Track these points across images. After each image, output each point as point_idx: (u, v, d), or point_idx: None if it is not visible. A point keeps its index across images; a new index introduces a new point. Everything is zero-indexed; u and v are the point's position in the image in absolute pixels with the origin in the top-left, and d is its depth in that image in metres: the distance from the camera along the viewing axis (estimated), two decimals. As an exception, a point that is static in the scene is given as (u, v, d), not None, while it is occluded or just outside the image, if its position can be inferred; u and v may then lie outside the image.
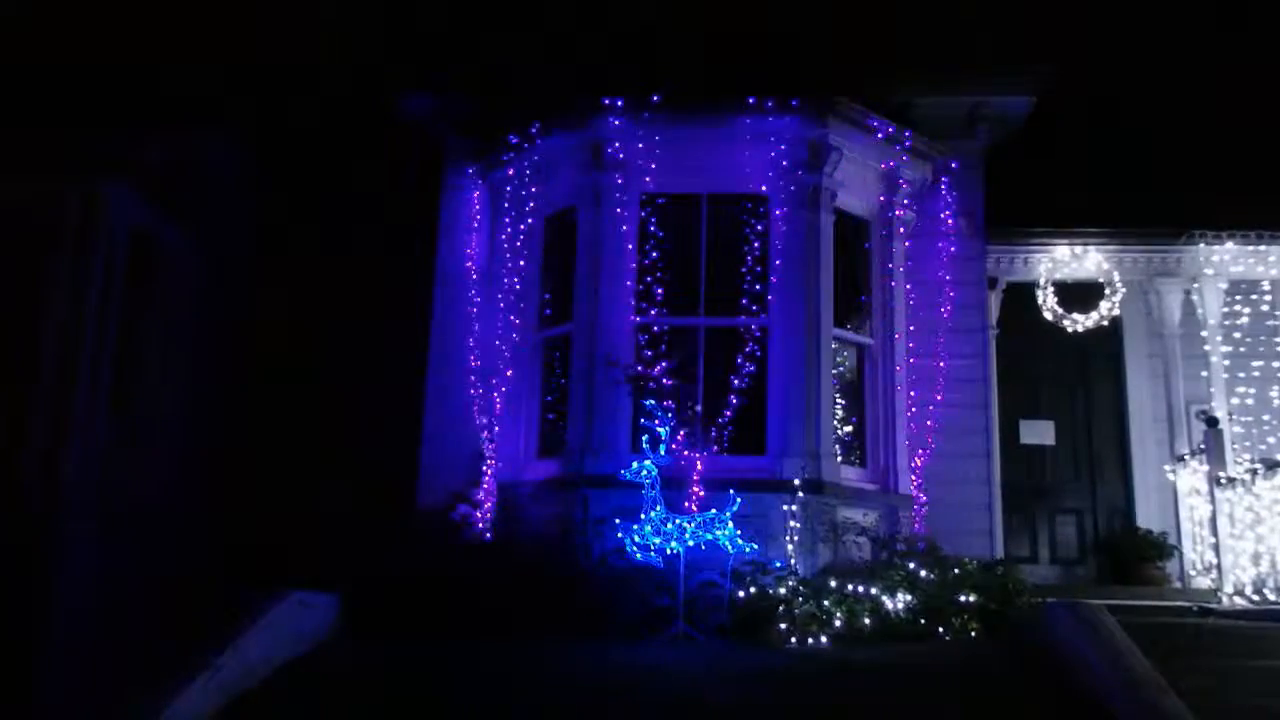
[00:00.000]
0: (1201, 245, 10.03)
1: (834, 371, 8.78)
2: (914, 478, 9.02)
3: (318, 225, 11.87)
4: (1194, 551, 9.27)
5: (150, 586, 9.70)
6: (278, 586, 6.86)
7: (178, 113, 10.77)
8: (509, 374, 9.19)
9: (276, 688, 6.24)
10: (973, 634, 7.29)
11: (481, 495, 8.80)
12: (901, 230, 9.49)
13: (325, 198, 12.00)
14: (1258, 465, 8.25)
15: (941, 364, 9.31)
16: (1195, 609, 8.22)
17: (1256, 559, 8.03)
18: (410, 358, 10.04)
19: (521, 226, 9.43)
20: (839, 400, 8.90)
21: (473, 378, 9.42)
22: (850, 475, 8.70)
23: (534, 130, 9.07)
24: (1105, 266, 10.23)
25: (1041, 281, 10.30)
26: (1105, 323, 10.24)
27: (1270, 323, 10.44)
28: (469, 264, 9.80)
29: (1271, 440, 10.06)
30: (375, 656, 6.60)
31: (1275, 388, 10.33)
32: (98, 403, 9.46)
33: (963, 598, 7.48)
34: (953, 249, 9.59)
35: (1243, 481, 8.29)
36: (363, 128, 11.85)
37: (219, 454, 11.00)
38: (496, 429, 9.11)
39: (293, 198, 11.97)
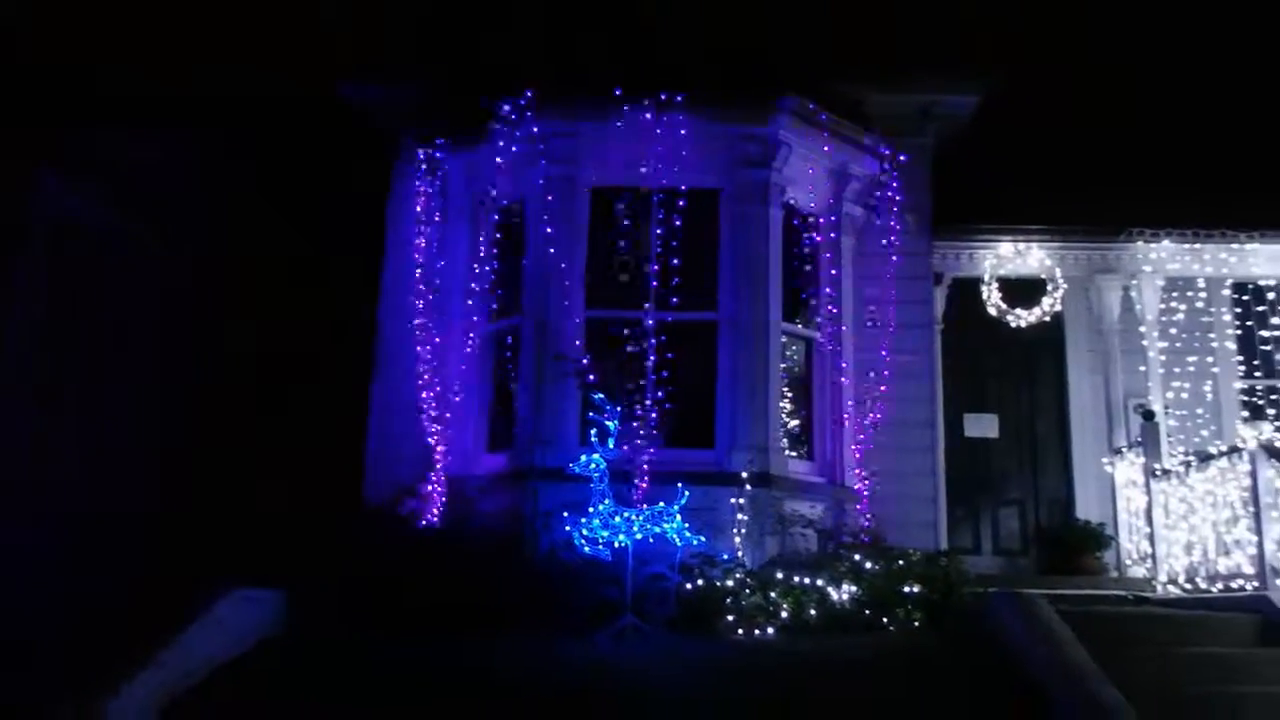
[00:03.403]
0: (1140, 243, 10.25)
1: (782, 365, 8.86)
2: (860, 470, 9.12)
3: (267, 219, 11.71)
4: (1130, 541, 9.48)
5: (95, 585, 9.52)
6: (222, 583, 6.81)
7: (122, 104, 10.57)
8: (457, 367, 9.14)
9: (220, 683, 6.20)
10: (916, 624, 7.38)
11: (429, 489, 8.74)
12: (850, 225, 9.60)
13: (274, 191, 11.85)
14: (1191, 457, 8.44)
15: (888, 358, 9.38)
16: (1131, 598, 8.43)
17: (1189, 548, 8.23)
18: (359, 350, 9.95)
19: (470, 219, 9.38)
20: (787, 394, 8.99)
21: (421, 370, 9.32)
22: (798, 468, 8.79)
23: (483, 123, 9.01)
24: (1048, 263, 10.41)
25: (986, 277, 10.45)
26: (1047, 318, 10.42)
27: (1205, 319, 10.68)
28: (417, 256, 9.69)
29: (1205, 433, 10.30)
30: (318, 652, 6.56)
31: (1209, 382, 10.57)
32: (24, 401, 9.21)
33: (907, 589, 7.57)
34: (900, 244, 9.67)
35: (1177, 473, 8.49)
36: (313, 120, 11.71)
37: (168, 451, 10.83)
38: (445, 422, 9.06)
39: (242, 192, 11.80)
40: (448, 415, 9.07)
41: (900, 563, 7.86)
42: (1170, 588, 8.39)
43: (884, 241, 9.60)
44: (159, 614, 6.49)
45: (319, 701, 5.97)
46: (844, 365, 9.22)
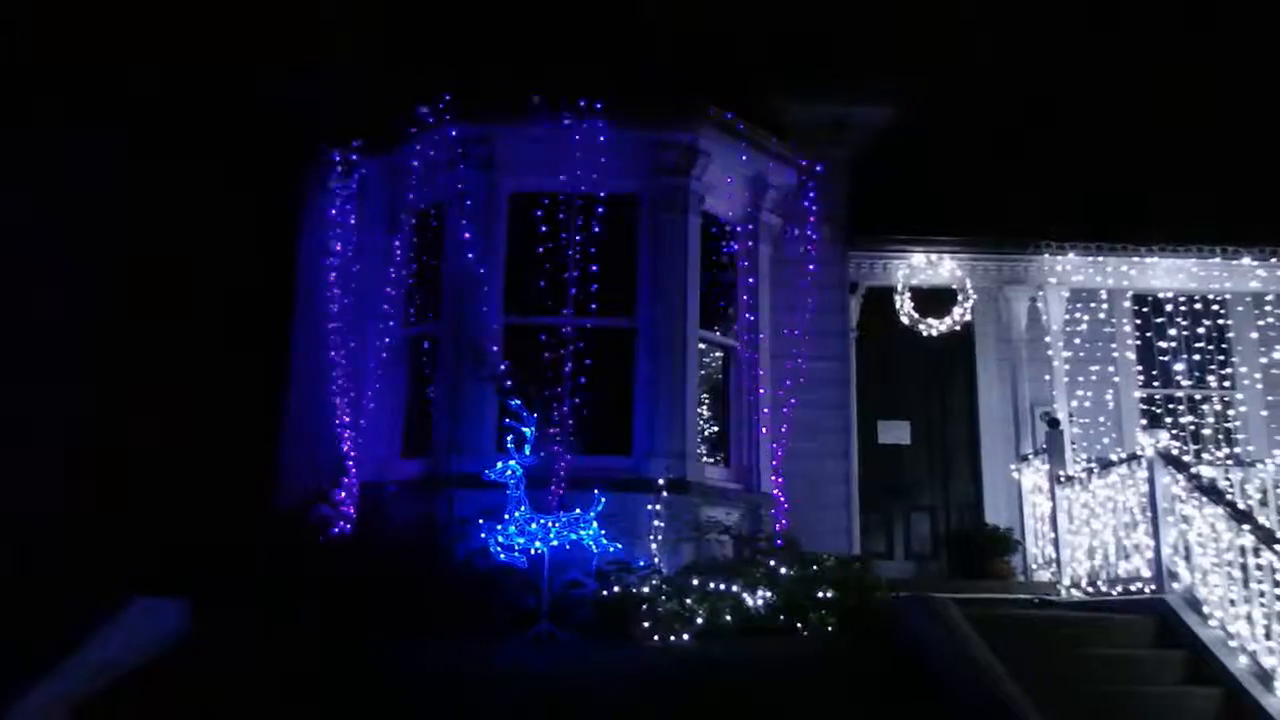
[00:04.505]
0: (1046, 255, 10.56)
1: (699, 373, 8.92)
2: (776, 477, 9.22)
3: (179, 219, 11.39)
4: (1036, 546, 9.73)
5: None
6: (126, 591, 6.63)
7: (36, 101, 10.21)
8: (373, 372, 9.02)
9: (122, 693, 6.04)
10: (830, 629, 7.49)
11: (343, 496, 8.61)
12: (767, 234, 9.71)
13: (187, 191, 11.53)
14: (1093, 464, 8.66)
15: (804, 365, 9.52)
16: (1036, 601, 8.63)
17: (1091, 553, 8.46)
18: (273, 355, 9.74)
19: (389, 223, 9.28)
20: (704, 401, 9.05)
21: (336, 375, 9.21)
22: (714, 475, 8.85)
23: (403, 127, 8.92)
24: (958, 274, 10.66)
25: (900, 287, 10.65)
26: (958, 327, 10.65)
27: (1107, 330, 11.05)
28: (334, 260, 9.56)
29: (1106, 441, 10.63)
30: (223, 661, 6.41)
31: (1110, 391, 10.93)
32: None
33: (821, 594, 7.67)
34: (817, 254, 9.81)
35: (1080, 480, 8.73)
36: (230, 118, 11.43)
37: (75, 453, 10.44)
38: (360, 428, 8.94)
39: (154, 191, 11.47)
40: (363, 421, 8.95)
41: (814, 568, 7.97)
42: (1074, 591, 8.62)
43: (801, 250, 9.74)
44: (61, 621, 6.32)
45: (220, 711, 5.83)
46: (761, 373, 9.31)
